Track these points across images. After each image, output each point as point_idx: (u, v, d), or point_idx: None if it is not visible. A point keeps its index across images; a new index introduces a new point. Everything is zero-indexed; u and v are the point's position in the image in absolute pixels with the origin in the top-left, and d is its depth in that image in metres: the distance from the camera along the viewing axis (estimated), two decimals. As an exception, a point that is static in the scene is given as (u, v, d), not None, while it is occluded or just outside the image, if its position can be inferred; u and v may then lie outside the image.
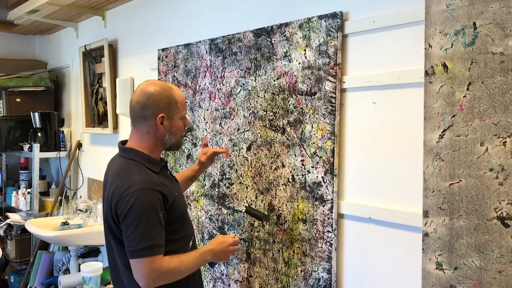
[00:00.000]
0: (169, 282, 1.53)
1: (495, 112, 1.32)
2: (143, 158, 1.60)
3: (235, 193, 2.15)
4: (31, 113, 3.69)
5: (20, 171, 4.06)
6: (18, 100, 3.80)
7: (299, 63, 1.88)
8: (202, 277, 2.31)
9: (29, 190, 3.77)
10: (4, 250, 3.84)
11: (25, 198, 3.77)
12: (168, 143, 1.65)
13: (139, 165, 1.58)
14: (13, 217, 3.70)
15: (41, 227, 3.01)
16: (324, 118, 1.79)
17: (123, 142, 1.68)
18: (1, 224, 3.75)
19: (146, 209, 1.48)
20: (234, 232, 2.15)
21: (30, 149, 3.66)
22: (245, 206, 1.98)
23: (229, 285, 2.19)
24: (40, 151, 3.64)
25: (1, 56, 4.20)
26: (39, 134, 3.68)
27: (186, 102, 2.43)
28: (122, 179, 1.55)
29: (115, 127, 3.20)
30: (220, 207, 2.23)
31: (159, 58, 2.66)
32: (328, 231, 1.77)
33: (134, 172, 1.55)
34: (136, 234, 1.47)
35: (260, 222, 1.96)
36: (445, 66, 1.42)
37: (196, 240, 1.81)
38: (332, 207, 1.76)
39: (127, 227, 1.49)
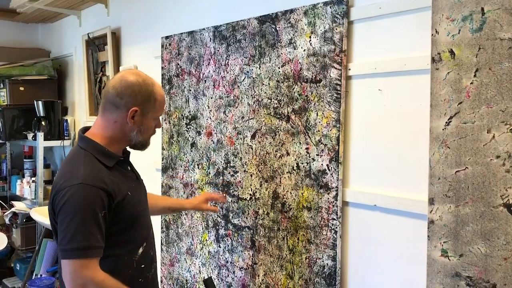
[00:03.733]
0: None
1: (503, 99, 1.31)
2: (96, 150, 1.47)
3: (240, 181, 2.16)
4: (35, 102, 3.69)
5: (24, 160, 4.08)
6: (21, 88, 3.80)
7: (304, 50, 1.86)
8: (207, 265, 2.33)
9: (33, 178, 3.78)
10: (10, 238, 3.87)
11: (29, 187, 3.79)
12: (134, 140, 1.53)
13: (90, 157, 1.45)
14: (18, 206, 3.73)
15: (46, 215, 2.99)
16: (329, 106, 1.78)
17: (85, 129, 1.56)
18: (7, 213, 3.77)
19: (81, 205, 1.34)
20: None
21: (34, 137, 3.66)
22: (206, 277, 1.89)
23: (233, 272, 2.20)
24: (44, 139, 3.64)
25: (4, 44, 4.19)
26: (43, 122, 3.68)
27: (190, 90, 2.43)
28: (66, 169, 1.45)
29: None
30: (224, 195, 2.24)
31: (162, 46, 2.64)
32: (333, 219, 1.77)
33: (80, 163, 1.42)
34: (67, 231, 1.34)
35: None
36: (452, 52, 1.41)
37: (154, 251, 1.65)
38: (337, 194, 1.76)
39: (61, 223, 1.36)
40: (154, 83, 1.53)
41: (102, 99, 1.53)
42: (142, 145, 1.57)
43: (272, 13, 1.99)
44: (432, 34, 1.46)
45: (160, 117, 1.61)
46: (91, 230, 1.35)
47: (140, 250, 1.54)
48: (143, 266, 1.55)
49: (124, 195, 1.46)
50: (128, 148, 1.62)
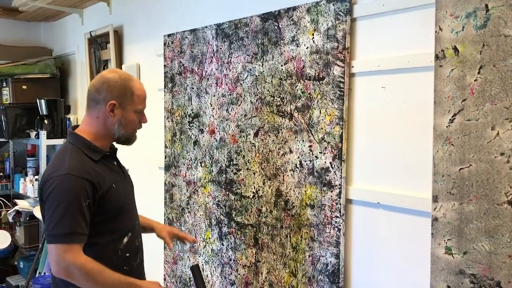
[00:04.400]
0: (77, 283, 1.45)
1: (507, 96, 1.30)
2: (83, 144, 1.58)
3: (243, 179, 2.16)
4: (37, 100, 3.69)
5: (27, 158, 4.09)
6: (24, 87, 3.81)
7: (307, 47, 1.86)
8: (210, 262, 2.33)
9: (36, 177, 3.80)
10: (13, 236, 3.89)
11: (32, 185, 3.80)
12: (117, 134, 1.61)
13: (77, 151, 1.55)
14: (21, 204, 3.74)
15: (49, 214, 3.03)
16: (333, 103, 1.78)
17: (75, 127, 1.66)
18: (10, 211, 3.78)
19: (67, 194, 1.45)
20: None
21: (37, 136, 3.67)
22: (194, 264, 1.87)
23: (237, 270, 2.20)
24: (47, 138, 3.65)
25: (6, 43, 4.19)
26: (45, 121, 3.68)
27: (193, 88, 2.43)
28: (54, 161, 1.56)
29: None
30: (227, 193, 2.24)
31: (165, 44, 2.64)
32: (336, 216, 1.77)
33: (67, 156, 1.53)
34: (53, 218, 1.45)
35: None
36: (456, 49, 1.41)
37: (140, 242, 1.72)
38: (340, 192, 1.76)
39: (47, 211, 1.47)
40: (132, 79, 1.62)
41: (86, 98, 1.64)
42: (126, 139, 1.66)
43: (275, 11, 1.99)
44: (436, 31, 1.45)
45: (145, 112, 1.67)
46: (75, 218, 1.45)
47: (125, 239, 1.63)
48: (128, 255, 1.64)
49: (108, 187, 1.56)
50: (116, 145, 1.71)
